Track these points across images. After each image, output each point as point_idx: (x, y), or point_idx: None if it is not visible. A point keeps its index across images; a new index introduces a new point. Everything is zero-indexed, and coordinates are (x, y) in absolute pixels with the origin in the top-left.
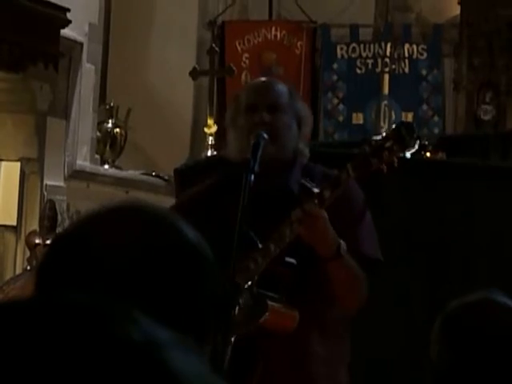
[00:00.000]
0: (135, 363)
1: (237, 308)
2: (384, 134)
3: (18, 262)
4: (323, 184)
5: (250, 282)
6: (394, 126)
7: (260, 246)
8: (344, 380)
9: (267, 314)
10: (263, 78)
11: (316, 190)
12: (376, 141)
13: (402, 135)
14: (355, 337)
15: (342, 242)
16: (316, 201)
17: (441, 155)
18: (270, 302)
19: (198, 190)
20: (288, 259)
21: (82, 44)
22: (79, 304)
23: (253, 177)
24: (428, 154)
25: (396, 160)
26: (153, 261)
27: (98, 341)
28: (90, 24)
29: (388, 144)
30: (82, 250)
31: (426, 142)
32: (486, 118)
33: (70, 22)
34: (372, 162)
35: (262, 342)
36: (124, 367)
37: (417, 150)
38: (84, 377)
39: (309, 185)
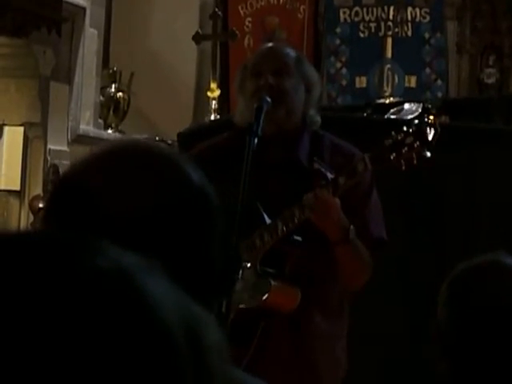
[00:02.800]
0: (102, 290)
1: (238, 282)
2: (405, 129)
3: (22, 226)
4: (338, 171)
5: (254, 260)
6: (416, 122)
7: (268, 221)
8: (342, 355)
9: (270, 292)
10: (270, 44)
11: (330, 176)
12: (397, 135)
13: (424, 133)
14: (353, 312)
15: (351, 226)
16: (330, 188)
17: (444, 119)
18: (272, 281)
19: (201, 151)
20: (295, 237)
21: (84, 8)
22: (45, 238)
23: (256, 140)
24: (431, 118)
25: (415, 157)
26: (158, 205)
27: (63, 271)
28: None
29: (409, 140)
30: (85, 194)
31: (429, 106)
32: (490, 81)
33: None
34: (391, 157)
35: (263, 320)
36: (91, 295)
37: (420, 114)
38: (50, 307)
39: (323, 170)
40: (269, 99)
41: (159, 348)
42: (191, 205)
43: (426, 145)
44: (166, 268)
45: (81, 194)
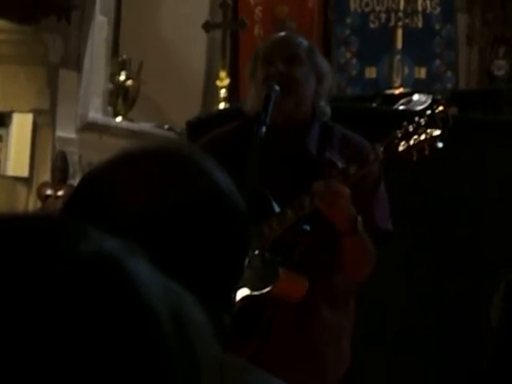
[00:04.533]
0: (86, 275)
1: (246, 270)
2: (417, 120)
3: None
4: (349, 160)
5: (262, 247)
6: (428, 113)
7: (276, 209)
8: (347, 347)
9: (277, 280)
10: (283, 32)
11: (341, 166)
12: (409, 126)
13: (436, 124)
14: (357, 306)
15: (359, 217)
16: (340, 177)
17: (453, 110)
18: (280, 269)
19: (210, 140)
20: (304, 226)
21: None
22: (32, 224)
23: (264, 129)
24: (441, 109)
25: (427, 148)
26: (183, 205)
27: (45, 255)
28: None
29: (421, 131)
30: (107, 193)
31: (439, 97)
32: (499, 73)
33: None
34: (402, 147)
35: (269, 308)
36: (74, 280)
37: (429, 105)
38: (31, 293)
39: (334, 159)
40: (277, 88)
41: (146, 329)
42: (218, 209)
43: (439, 135)
44: (187, 267)
45: (103, 190)
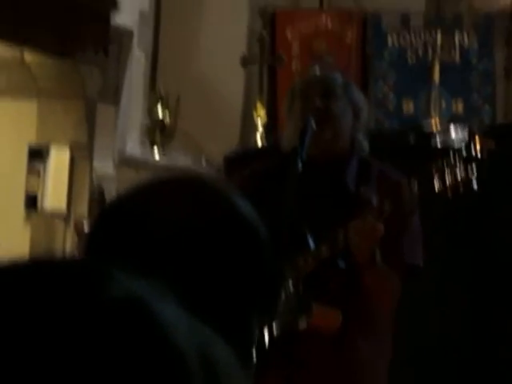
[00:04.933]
0: (117, 319)
1: (281, 304)
2: (453, 155)
3: (68, 247)
4: (385, 197)
5: (296, 281)
6: (464, 148)
7: (312, 244)
8: (383, 377)
9: (312, 313)
10: (318, 69)
11: (376, 202)
12: (444, 162)
13: (470, 162)
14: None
15: (377, 250)
16: (375, 213)
17: (490, 144)
18: (314, 304)
19: (248, 175)
20: (338, 260)
21: (132, 31)
22: (57, 266)
23: (301, 164)
24: (479, 145)
25: (461, 185)
26: (205, 234)
27: (76, 301)
28: (140, 10)
29: (456, 168)
30: (134, 220)
31: (476, 131)
32: None
33: (120, 8)
34: (437, 184)
35: (303, 342)
36: (105, 325)
37: (466, 140)
38: (64, 339)
39: (370, 195)
40: (314, 123)
41: (173, 371)
42: (239, 235)
43: (473, 173)
44: (211, 293)
45: (128, 217)
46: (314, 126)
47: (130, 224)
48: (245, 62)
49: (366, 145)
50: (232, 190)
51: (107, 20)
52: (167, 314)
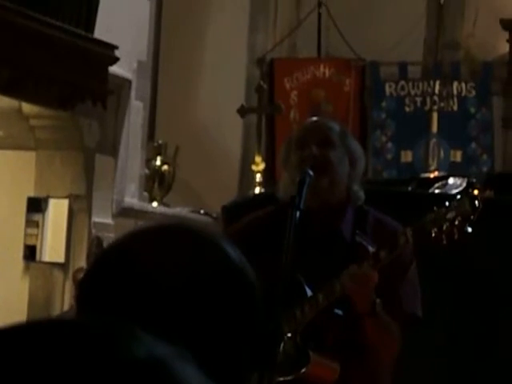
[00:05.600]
0: (140, 380)
1: (279, 355)
2: (448, 204)
3: (66, 299)
4: (380, 245)
5: (294, 332)
6: (458, 197)
7: (309, 293)
8: None
9: (309, 365)
10: (315, 118)
11: (372, 250)
12: (439, 210)
13: (465, 208)
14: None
15: (378, 300)
16: (371, 261)
17: (489, 193)
18: (312, 354)
19: (245, 225)
20: (335, 310)
21: (130, 81)
22: (83, 326)
23: (298, 214)
24: (476, 192)
25: (456, 232)
26: (197, 283)
27: (101, 361)
28: (138, 61)
29: (450, 215)
30: (125, 267)
31: (474, 180)
32: None
33: (118, 59)
34: (432, 231)
35: None
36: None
37: (465, 188)
38: None
39: (365, 243)
40: (311, 172)
41: None
42: (229, 282)
43: (468, 220)
44: (202, 343)
45: (118, 267)
46: (311, 175)
47: (117, 274)
48: (243, 111)
49: (361, 194)
50: (221, 237)
51: (106, 73)
52: (189, 377)
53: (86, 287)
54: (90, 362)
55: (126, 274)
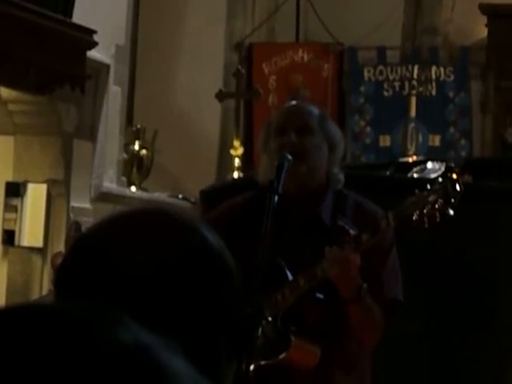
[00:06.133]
0: (126, 365)
1: (259, 338)
2: (429, 188)
3: (45, 283)
4: (362, 228)
5: (275, 316)
6: (441, 181)
7: (290, 277)
8: None
9: (290, 349)
10: (294, 102)
11: (353, 233)
12: (420, 194)
13: (447, 191)
14: (374, 369)
15: (364, 284)
16: (352, 244)
17: (467, 178)
18: (293, 338)
19: (224, 210)
20: (316, 294)
21: (108, 66)
22: (70, 312)
23: (277, 198)
24: (455, 176)
25: (438, 215)
26: (173, 267)
27: (88, 346)
28: (116, 46)
29: (432, 199)
30: (102, 252)
31: (452, 165)
32: None
33: (96, 43)
34: (414, 215)
35: (282, 376)
36: (115, 370)
37: (442, 173)
38: (76, 382)
39: (347, 227)
40: (290, 157)
41: None
42: (207, 266)
43: (449, 203)
44: (181, 329)
45: (96, 252)
46: (290, 159)
47: (96, 259)
48: (221, 96)
49: (341, 178)
50: (199, 222)
51: (84, 57)
52: (174, 364)
53: (63, 273)
54: (75, 348)
55: (104, 260)
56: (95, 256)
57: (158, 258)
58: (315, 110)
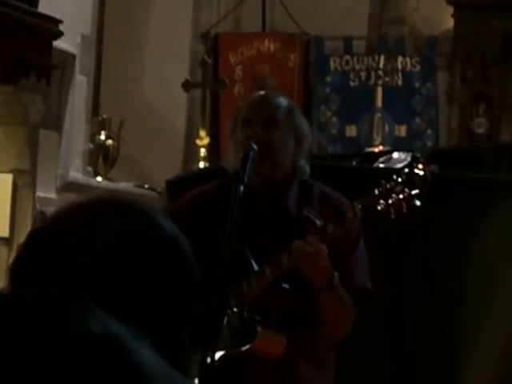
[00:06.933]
0: (95, 353)
1: (225, 328)
2: (396, 178)
3: None
4: (328, 218)
5: (241, 306)
6: (407, 171)
7: (255, 267)
8: None
9: (256, 339)
10: (263, 92)
11: (319, 223)
12: (387, 184)
13: (413, 181)
14: (339, 362)
15: (335, 273)
16: (318, 235)
17: (433, 168)
18: (259, 328)
19: (188, 199)
20: (282, 284)
21: (74, 56)
22: (39, 301)
23: (242, 188)
24: (421, 166)
25: (405, 206)
26: (127, 256)
27: (58, 335)
28: (82, 35)
29: (398, 189)
30: (55, 245)
31: (419, 155)
32: (480, 131)
33: (62, 33)
34: (380, 205)
35: (248, 366)
36: (85, 358)
37: (408, 163)
38: (46, 370)
39: (312, 217)
40: (255, 146)
41: None
42: (161, 254)
43: (416, 194)
44: (140, 317)
45: (49, 244)
46: (255, 149)
47: (49, 251)
48: (187, 86)
49: (307, 169)
50: (153, 210)
51: (50, 48)
52: (142, 354)
53: (18, 266)
54: (45, 336)
55: (57, 251)
56: (49, 248)
57: (111, 248)
58: (283, 102)
